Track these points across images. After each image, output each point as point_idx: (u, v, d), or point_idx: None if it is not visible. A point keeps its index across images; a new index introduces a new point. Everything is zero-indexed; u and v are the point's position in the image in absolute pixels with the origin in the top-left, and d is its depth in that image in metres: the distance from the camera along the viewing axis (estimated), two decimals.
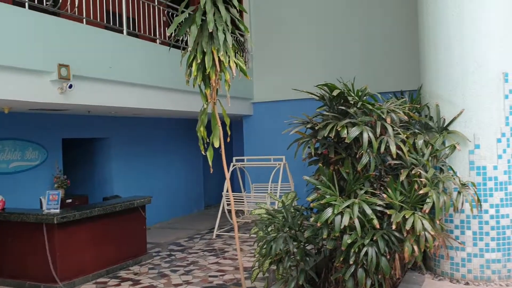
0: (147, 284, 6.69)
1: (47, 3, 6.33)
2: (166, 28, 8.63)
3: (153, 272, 7.29)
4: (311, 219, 4.96)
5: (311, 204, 4.91)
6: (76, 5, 6.72)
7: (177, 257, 8.13)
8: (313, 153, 5.23)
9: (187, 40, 8.54)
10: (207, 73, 5.02)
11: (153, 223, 10.50)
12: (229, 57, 5.00)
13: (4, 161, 8.00)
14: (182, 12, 5.08)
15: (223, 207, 9.52)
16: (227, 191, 9.54)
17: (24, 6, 6.04)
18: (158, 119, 11.41)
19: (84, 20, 6.92)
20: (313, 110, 5.66)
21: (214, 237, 9.52)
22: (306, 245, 5.14)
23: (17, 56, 5.76)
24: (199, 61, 4.92)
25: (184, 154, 12.47)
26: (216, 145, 5.25)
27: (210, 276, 6.93)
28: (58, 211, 6.76)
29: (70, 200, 8.44)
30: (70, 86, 6.36)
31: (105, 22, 7.35)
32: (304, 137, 5.27)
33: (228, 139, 5.54)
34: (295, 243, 5.03)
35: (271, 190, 9.39)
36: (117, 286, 6.65)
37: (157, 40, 8.38)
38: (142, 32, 8.10)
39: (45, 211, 6.76)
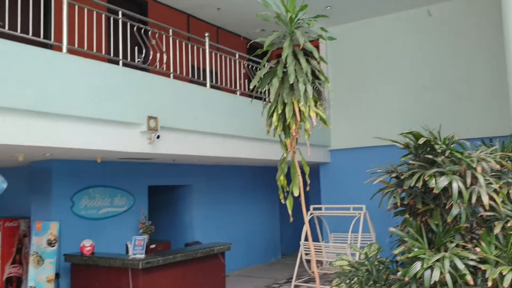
0: None
1: (138, 60, 6.81)
2: (246, 80, 8.92)
3: None
4: (399, 273, 4.67)
5: (398, 257, 4.64)
6: (164, 61, 7.16)
7: None
8: (398, 203, 4.99)
9: (266, 91, 8.77)
10: (287, 123, 5.05)
11: (230, 270, 10.48)
12: (309, 107, 5.02)
13: (95, 208, 8.44)
14: (264, 65, 5.23)
15: (301, 257, 9.30)
16: (305, 240, 9.34)
17: (118, 64, 6.53)
18: (236, 167, 11.60)
19: (171, 75, 7.33)
20: (394, 157, 5.47)
21: (292, 287, 9.27)
22: None
23: (111, 109, 6.18)
24: (279, 111, 4.99)
25: (261, 202, 12.47)
26: (296, 193, 5.19)
27: None
28: (143, 256, 6.96)
29: (153, 246, 8.67)
30: (158, 137, 6.68)
31: (190, 76, 7.74)
32: (389, 186, 5.07)
33: (308, 188, 5.48)
34: None
35: (351, 240, 9.05)
36: None
37: (237, 91, 8.66)
38: (223, 84, 8.43)
39: (131, 256, 6.99)
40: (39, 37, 5.64)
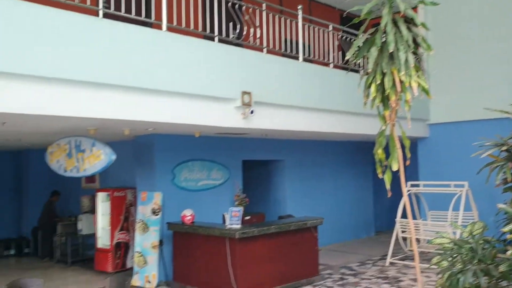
0: None
1: (233, 35, 6.89)
2: (339, 53, 8.67)
3: None
4: (508, 252, 4.35)
5: (507, 235, 4.31)
6: (258, 36, 7.16)
7: (349, 281, 7.95)
8: (509, 179, 4.61)
9: (362, 62, 8.46)
10: (386, 94, 4.85)
11: (322, 245, 10.36)
12: (410, 77, 4.77)
13: (194, 180, 8.82)
14: (361, 35, 5.03)
15: (397, 234, 9.03)
16: (402, 217, 9.03)
17: (213, 40, 6.65)
18: (328, 142, 11.45)
19: (265, 49, 7.33)
20: (501, 131, 5.03)
21: (387, 264, 9.06)
22: (499, 280, 4.52)
23: (207, 86, 6.35)
24: (378, 82, 4.79)
25: (354, 178, 12.23)
26: (395, 168, 5.00)
27: None
28: (239, 226, 7.17)
29: (248, 217, 8.89)
30: (252, 112, 6.77)
31: (282, 50, 7.69)
32: (498, 160, 4.69)
33: (408, 162, 5.24)
34: (486, 277, 4.46)
35: (451, 219, 8.58)
36: None
37: (330, 64, 8.46)
38: (316, 57, 8.27)
39: (228, 226, 7.23)
40: (141, 16, 5.92)
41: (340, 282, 7.88)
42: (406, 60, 4.70)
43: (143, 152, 8.54)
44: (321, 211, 10.28)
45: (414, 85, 4.75)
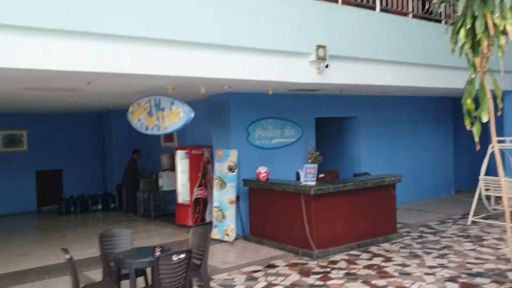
0: (399, 262, 6.49)
1: None
2: (418, 2, 8.08)
3: (404, 251, 7.04)
4: None
5: None
6: None
7: (429, 239, 7.70)
8: None
9: (444, 11, 7.84)
10: (477, 39, 4.44)
11: (399, 204, 10.07)
12: (505, 20, 4.31)
13: (267, 138, 8.82)
14: None
15: (480, 192, 8.54)
16: (485, 175, 8.50)
17: None
18: (404, 98, 10.93)
19: (340, 0, 6.98)
20: None
21: (469, 223, 8.66)
22: None
23: (282, 40, 6.18)
24: (468, 26, 4.38)
25: (432, 135, 11.68)
26: (485, 119, 4.63)
27: (468, 263, 6.32)
28: (314, 183, 7.10)
29: (322, 175, 8.78)
30: (327, 66, 6.53)
31: (358, 0, 7.29)
32: None
33: (499, 113, 4.83)
34: None
35: None
36: (369, 260, 6.64)
37: (409, 14, 7.92)
38: (394, 7, 7.76)
39: (302, 183, 7.18)
40: None
41: (419, 240, 7.65)
42: (501, 1, 4.24)
43: (218, 111, 8.62)
44: (398, 169, 9.95)
45: (510, 28, 4.29)
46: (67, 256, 4.40)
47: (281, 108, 8.97)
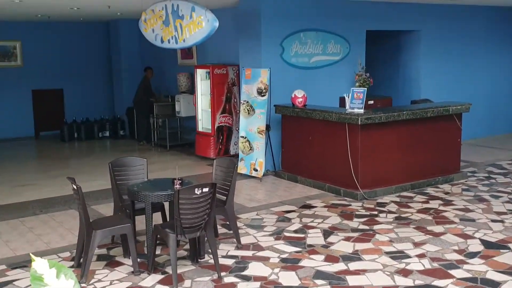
0: (461, 206, 6.49)
1: None
2: None
3: (467, 194, 7.02)
4: None
5: None
6: None
7: (498, 181, 7.63)
8: None
9: None
10: None
11: (465, 138, 9.94)
12: None
13: (306, 55, 8.63)
14: None
15: None
16: None
17: None
18: (478, 8, 10.41)
19: None
20: None
21: None
22: None
23: None
24: None
25: (510, 55, 11.23)
26: None
27: None
28: (362, 111, 6.98)
29: (372, 102, 8.63)
30: None
31: None
32: None
33: None
34: None
35: None
36: (425, 204, 6.65)
37: None
38: None
39: (348, 110, 7.08)
40: None
41: (486, 182, 7.58)
42: None
43: (247, 21, 8.45)
44: (466, 96, 9.69)
45: None
46: (75, 186, 4.54)
47: (324, 18, 8.72)
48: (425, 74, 10.09)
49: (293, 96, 7.85)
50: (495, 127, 11.16)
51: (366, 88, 7.42)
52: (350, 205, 6.65)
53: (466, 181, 7.65)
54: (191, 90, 10.45)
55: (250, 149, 8.26)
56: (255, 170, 8.12)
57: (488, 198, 6.81)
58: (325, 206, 6.62)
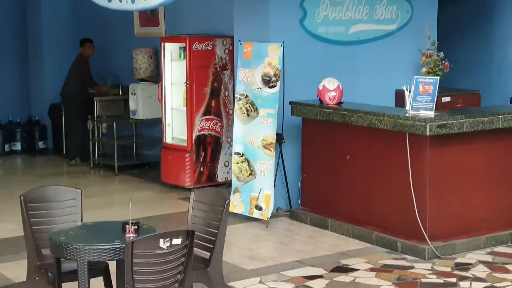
0: None
1: None
2: None
3: None
4: None
5: None
6: None
7: None
8: None
9: None
10: None
11: None
12: None
13: (342, 22, 8.72)
14: None
15: None
16: None
17: None
18: None
19: None
20: None
21: None
22: None
23: None
24: None
25: None
26: None
27: None
28: (432, 114, 6.97)
29: (447, 99, 8.71)
30: None
31: None
32: None
33: None
34: None
35: None
36: None
37: None
38: None
39: (409, 113, 7.09)
40: None
41: None
42: None
43: None
44: None
45: None
46: None
47: None
48: None
49: (321, 88, 7.87)
50: None
51: (438, 77, 7.42)
52: (413, 267, 6.63)
53: None
54: (156, 77, 10.51)
55: (250, 174, 8.25)
56: (259, 208, 8.11)
57: None
58: (372, 269, 6.59)
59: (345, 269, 6.56)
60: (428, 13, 9.26)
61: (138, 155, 11.27)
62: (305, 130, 8.18)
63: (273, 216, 8.10)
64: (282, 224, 8.08)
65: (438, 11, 9.48)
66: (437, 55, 8.70)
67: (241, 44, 8.44)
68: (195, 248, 4.76)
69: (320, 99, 7.88)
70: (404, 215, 7.05)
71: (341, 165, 7.77)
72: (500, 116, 7.14)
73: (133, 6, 7.15)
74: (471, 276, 6.35)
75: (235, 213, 8.11)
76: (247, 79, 8.29)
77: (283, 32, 8.26)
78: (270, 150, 8.06)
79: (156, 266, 4.36)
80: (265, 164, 8.11)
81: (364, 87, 8.64)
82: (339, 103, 7.81)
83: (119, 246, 4.62)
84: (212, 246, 5.20)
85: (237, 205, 8.22)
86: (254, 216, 8.12)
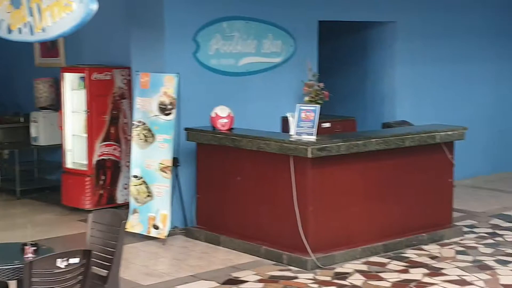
0: (455, 277, 6.81)
1: None
2: None
3: (463, 259, 7.39)
4: None
5: None
6: None
7: (507, 239, 8.08)
8: None
9: None
10: None
11: (461, 177, 10.43)
12: None
13: (232, 55, 8.89)
14: None
15: None
16: None
17: None
18: None
19: None
20: None
21: None
22: None
23: None
24: None
25: None
26: None
27: None
28: (313, 138, 7.23)
29: (328, 124, 9.01)
30: None
31: None
32: None
33: None
34: None
35: None
36: (403, 274, 6.95)
37: None
38: None
39: (293, 137, 7.33)
40: None
41: (490, 241, 8.03)
42: None
43: (143, 4, 8.65)
44: (461, 118, 10.17)
45: None
46: None
47: (258, 1, 9.01)
48: (402, 85, 10.63)
49: (213, 115, 8.05)
50: (502, 161, 11.88)
51: (319, 105, 7.67)
52: (297, 277, 6.83)
53: (461, 240, 8.05)
54: (56, 105, 10.45)
55: (148, 196, 8.34)
56: (156, 227, 8.19)
57: (492, 264, 7.16)
58: (260, 281, 6.75)
59: (236, 281, 6.71)
60: (310, 48, 9.53)
61: (40, 179, 11.13)
62: (199, 154, 8.32)
63: (170, 234, 8.16)
64: (178, 242, 8.14)
65: (319, 46, 9.75)
66: (318, 86, 9.01)
67: (138, 74, 8.51)
68: (93, 267, 4.74)
69: (213, 126, 8.05)
70: (289, 230, 7.26)
71: (232, 186, 7.93)
72: (373, 140, 7.50)
73: (33, 37, 6.99)
74: (348, 284, 6.61)
75: (133, 233, 8.17)
76: (145, 107, 8.38)
77: (178, 63, 8.36)
78: (167, 173, 8.18)
79: (55, 285, 4.32)
80: (162, 186, 8.21)
81: (253, 114, 8.82)
82: (231, 129, 8.00)
83: (18, 266, 4.58)
84: (109, 264, 5.13)
85: (135, 225, 8.28)
86: (151, 235, 8.18)
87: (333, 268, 7.10)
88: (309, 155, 7.01)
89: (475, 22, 11.42)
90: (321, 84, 9.08)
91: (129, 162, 8.91)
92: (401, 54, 10.63)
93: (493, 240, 8.10)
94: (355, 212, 7.53)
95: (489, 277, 6.80)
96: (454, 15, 11.11)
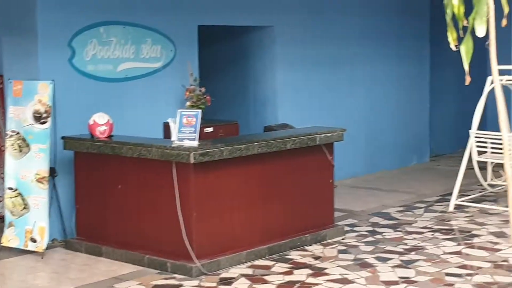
0: (337, 276, 6.84)
1: None
2: None
3: (345, 257, 7.45)
4: None
5: None
6: None
7: (386, 237, 8.20)
8: None
9: None
10: None
11: (341, 177, 10.66)
12: None
13: (110, 61, 8.68)
14: None
15: (470, 157, 9.20)
16: (480, 129, 9.13)
17: None
18: None
19: None
20: None
21: (451, 209, 9.33)
22: None
23: None
24: None
25: (398, 63, 12.33)
26: (480, 32, 4.92)
27: (448, 275, 6.79)
28: (195, 143, 7.11)
29: (210, 129, 8.92)
30: None
31: None
32: None
33: (505, 22, 5.15)
34: None
35: None
36: (288, 275, 6.92)
37: None
38: None
39: (175, 143, 7.19)
40: None
41: (369, 239, 8.14)
42: None
43: (12, 7, 8.37)
44: (341, 120, 10.33)
45: None
46: None
47: (138, 8, 8.91)
48: (283, 89, 10.67)
49: (91, 123, 7.79)
50: (379, 161, 12.13)
51: (201, 110, 7.62)
52: (182, 285, 6.72)
53: (343, 239, 8.13)
54: None
55: (24, 208, 8.00)
56: (33, 241, 7.87)
57: (373, 261, 7.25)
58: None
59: None
60: (190, 52, 9.44)
61: None
62: (78, 163, 8.07)
63: (48, 247, 7.87)
64: (57, 255, 7.86)
65: (200, 50, 9.67)
66: (200, 90, 8.99)
67: (10, 82, 8.20)
68: None
69: (91, 133, 7.80)
70: (173, 237, 7.11)
71: (113, 195, 7.73)
72: (255, 144, 7.44)
73: None
74: None
75: (10, 247, 7.86)
76: (18, 116, 8.06)
77: (52, 70, 8.10)
78: (43, 183, 7.87)
79: None
80: (39, 197, 7.89)
81: (134, 120, 8.65)
82: (110, 136, 7.77)
83: None
84: None
85: (11, 239, 7.94)
86: (29, 248, 7.84)
87: (219, 274, 7.01)
88: (192, 161, 6.90)
89: (353, 26, 11.60)
90: (203, 89, 9.05)
91: (3, 174, 8.56)
92: (281, 58, 10.69)
93: (373, 238, 8.23)
94: (239, 217, 7.47)
95: (369, 274, 6.90)
96: (332, 19, 11.26)
